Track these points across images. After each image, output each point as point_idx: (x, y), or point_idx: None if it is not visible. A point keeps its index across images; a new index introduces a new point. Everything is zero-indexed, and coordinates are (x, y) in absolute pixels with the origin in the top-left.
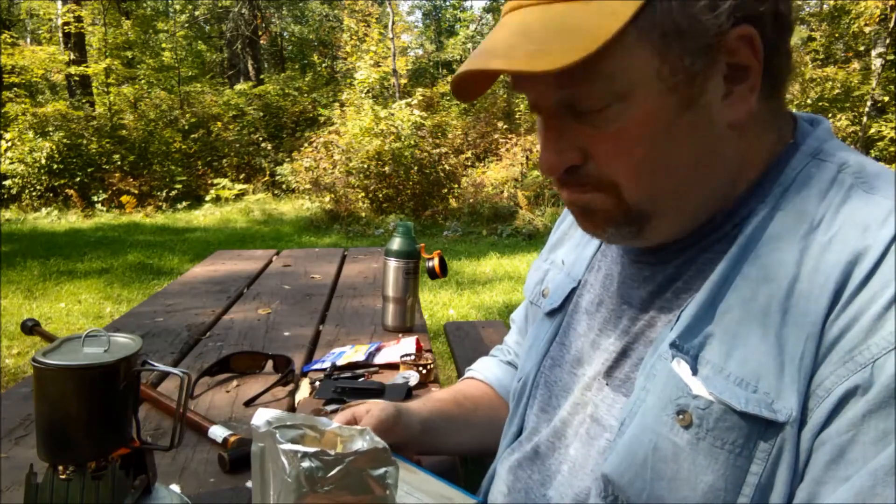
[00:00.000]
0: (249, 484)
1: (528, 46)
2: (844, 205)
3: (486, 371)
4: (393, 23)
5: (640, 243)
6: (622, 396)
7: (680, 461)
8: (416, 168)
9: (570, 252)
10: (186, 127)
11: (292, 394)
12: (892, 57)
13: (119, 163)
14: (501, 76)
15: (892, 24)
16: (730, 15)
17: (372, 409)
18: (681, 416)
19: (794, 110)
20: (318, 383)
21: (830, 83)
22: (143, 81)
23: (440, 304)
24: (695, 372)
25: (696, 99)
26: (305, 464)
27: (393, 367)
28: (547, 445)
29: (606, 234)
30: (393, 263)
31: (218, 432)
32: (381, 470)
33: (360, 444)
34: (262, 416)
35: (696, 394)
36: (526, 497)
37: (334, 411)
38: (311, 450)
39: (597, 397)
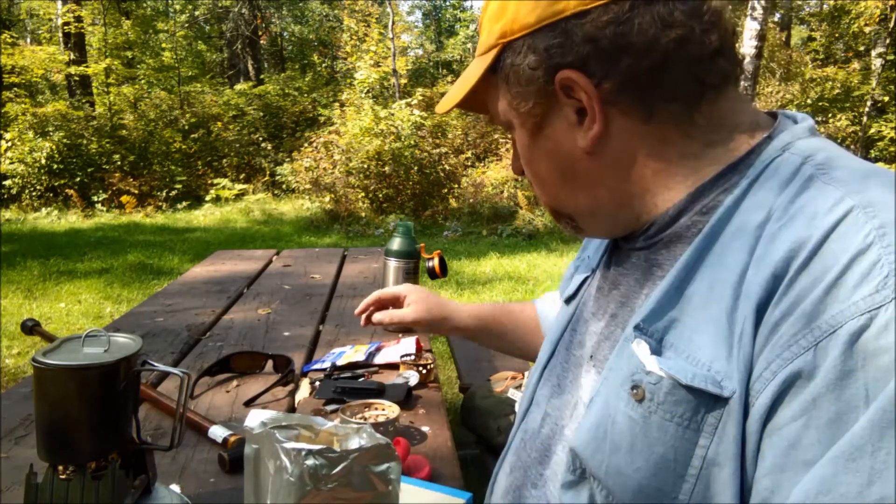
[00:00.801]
0: None
1: (452, 91)
2: (800, 196)
3: (544, 301)
4: (393, 23)
5: (591, 236)
6: (599, 376)
7: (634, 434)
8: (416, 168)
9: (593, 246)
10: (186, 127)
11: (292, 394)
12: (892, 57)
13: (119, 163)
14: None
15: (892, 24)
16: (536, 68)
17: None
18: (635, 391)
19: (794, 110)
20: (318, 383)
21: (830, 83)
22: (143, 81)
23: None
24: (658, 354)
25: (542, 129)
26: (310, 461)
27: (393, 367)
28: (550, 427)
29: (566, 228)
30: (393, 263)
31: (218, 432)
32: (384, 466)
33: (357, 442)
34: (255, 418)
35: (648, 370)
36: (524, 475)
37: (332, 401)
38: (315, 447)
39: (584, 379)
